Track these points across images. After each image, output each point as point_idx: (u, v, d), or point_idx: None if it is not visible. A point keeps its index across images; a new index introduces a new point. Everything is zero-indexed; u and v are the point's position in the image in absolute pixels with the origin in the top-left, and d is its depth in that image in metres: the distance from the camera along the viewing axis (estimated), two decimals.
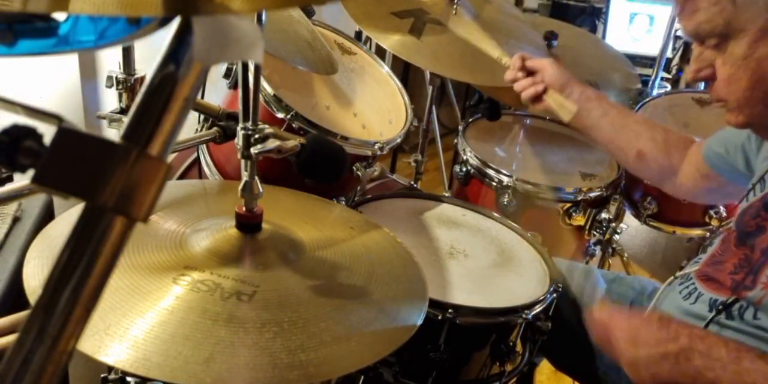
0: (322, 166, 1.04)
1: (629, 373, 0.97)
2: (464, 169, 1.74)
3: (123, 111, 1.26)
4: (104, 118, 1.26)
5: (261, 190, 0.89)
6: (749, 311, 1.03)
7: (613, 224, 1.76)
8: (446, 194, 1.75)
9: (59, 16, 0.44)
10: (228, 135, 1.16)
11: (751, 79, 1.01)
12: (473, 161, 1.71)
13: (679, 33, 3.19)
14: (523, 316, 1.17)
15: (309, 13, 1.49)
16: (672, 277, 1.23)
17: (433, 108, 2.00)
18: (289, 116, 1.26)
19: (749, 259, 1.06)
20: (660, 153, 1.35)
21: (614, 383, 1.32)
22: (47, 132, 0.39)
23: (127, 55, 1.24)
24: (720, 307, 1.06)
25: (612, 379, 1.32)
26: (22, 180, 0.88)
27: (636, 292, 1.36)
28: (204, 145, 1.43)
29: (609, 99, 1.40)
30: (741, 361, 0.89)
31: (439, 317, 1.11)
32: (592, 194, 1.66)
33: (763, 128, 1.10)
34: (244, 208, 0.89)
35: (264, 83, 1.27)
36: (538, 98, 1.39)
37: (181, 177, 1.58)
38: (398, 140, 1.45)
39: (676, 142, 1.36)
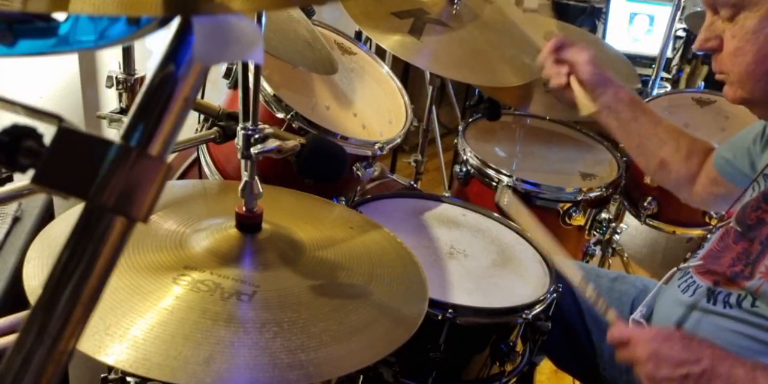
0: (322, 166, 1.04)
1: None
2: (464, 169, 1.74)
3: (123, 111, 1.26)
4: (104, 118, 1.26)
5: (261, 190, 0.89)
6: (747, 300, 1.04)
7: (613, 224, 1.77)
8: (446, 194, 1.75)
9: (59, 16, 0.44)
10: (228, 135, 1.16)
11: (757, 55, 1.01)
12: (473, 161, 1.71)
13: (679, 33, 3.20)
14: (523, 316, 1.17)
15: (309, 13, 1.49)
16: (669, 273, 1.23)
17: (433, 108, 2.00)
18: (289, 116, 1.26)
19: (748, 252, 1.07)
20: (682, 163, 1.35)
21: (615, 382, 1.32)
22: (47, 132, 0.39)
23: (127, 55, 1.25)
24: (715, 294, 1.08)
25: (613, 377, 1.32)
26: (22, 180, 0.88)
27: (638, 290, 1.37)
28: (204, 145, 1.43)
29: (641, 104, 1.38)
30: (757, 380, 0.91)
31: (439, 317, 1.11)
32: (592, 194, 1.66)
33: (761, 106, 1.11)
34: (244, 208, 0.89)
35: (264, 83, 1.27)
36: (562, 87, 1.37)
37: (181, 177, 1.58)
38: (398, 140, 1.45)
39: (698, 151, 1.35)
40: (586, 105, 1.34)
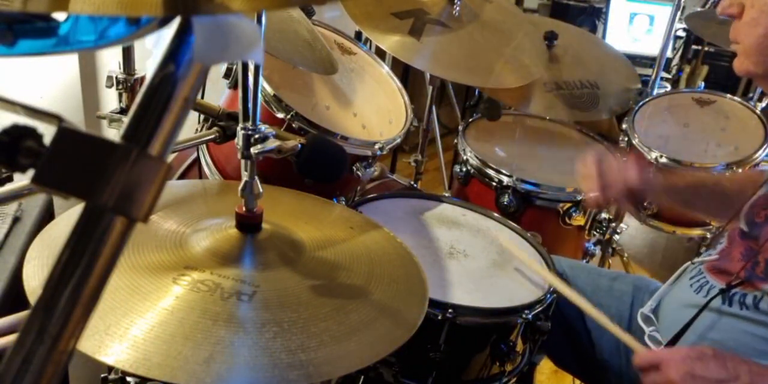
0: (322, 166, 1.04)
1: None
2: (464, 169, 1.74)
3: (123, 111, 1.26)
4: (104, 118, 1.26)
5: (261, 190, 0.89)
6: (765, 301, 1.04)
7: (613, 224, 1.77)
8: (446, 194, 1.75)
9: (59, 16, 0.44)
10: (228, 135, 1.16)
11: None
12: (473, 161, 1.71)
13: (679, 33, 3.20)
14: (523, 316, 1.17)
15: (309, 13, 1.49)
16: (683, 268, 1.22)
17: (433, 108, 2.00)
18: (289, 116, 1.26)
19: (752, 249, 1.07)
20: (719, 218, 1.35)
21: (615, 381, 1.32)
22: (47, 132, 0.39)
23: (127, 55, 1.25)
24: (728, 290, 1.07)
25: (613, 376, 1.32)
26: (22, 180, 0.88)
27: (638, 290, 1.37)
28: (204, 145, 1.43)
29: (685, 177, 1.41)
30: None
31: (439, 317, 1.11)
32: (592, 194, 1.66)
33: (766, 79, 1.11)
34: (244, 208, 0.89)
35: (264, 83, 1.27)
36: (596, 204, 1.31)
37: (181, 177, 1.58)
38: (398, 140, 1.45)
39: (733, 204, 1.27)
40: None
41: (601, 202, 1.28)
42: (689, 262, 1.22)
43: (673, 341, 1.12)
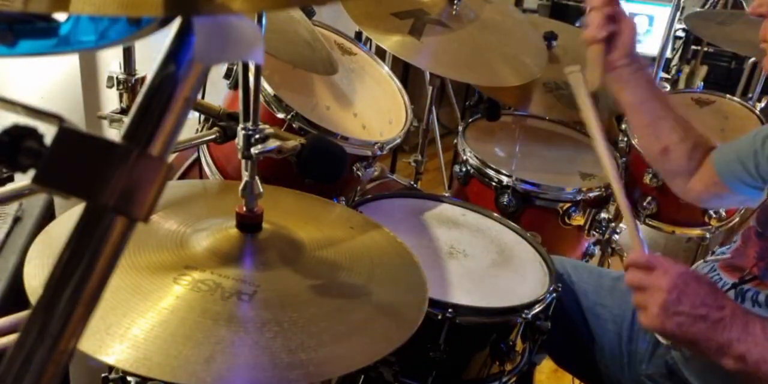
0: (322, 166, 1.04)
1: (651, 316, 0.95)
2: (464, 169, 1.74)
3: (123, 111, 1.26)
4: (105, 118, 1.26)
5: (261, 190, 0.89)
6: None
7: (613, 224, 1.77)
8: (446, 194, 1.75)
9: (60, 16, 0.44)
10: (228, 135, 1.16)
11: None
12: (473, 161, 1.71)
13: (678, 33, 3.20)
14: (523, 315, 1.17)
15: (309, 14, 1.49)
16: (695, 265, 1.22)
17: (433, 108, 2.00)
18: (289, 116, 1.26)
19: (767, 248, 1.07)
20: (685, 154, 1.33)
21: (615, 380, 1.32)
22: (48, 132, 0.39)
23: (128, 56, 1.25)
24: (740, 284, 1.07)
25: (613, 376, 1.32)
26: (22, 180, 0.88)
27: None
28: (204, 145, 1.43)
29: (659, 89, 1.37)
30: None
31: (439, 317, 1.11)
32: (592, 194, 1.66)
33: None
34: (244, 208, 0.89)
35: (264, 83, 1.27)
36: (592, 42, 1.30)
37: (182, 177, 1.58)
38: (398, 140, 1.45)
39: (703, 146, 1.34)
40: (596, 78, 1.28)
41: (596, 28, 1.28)
42: (702, 261, 1.22)
43: None
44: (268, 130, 0.91)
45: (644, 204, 1.83)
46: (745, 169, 1.22)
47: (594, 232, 1.74)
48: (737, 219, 1.86)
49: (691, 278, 0.96)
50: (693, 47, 3.39)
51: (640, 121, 1.37)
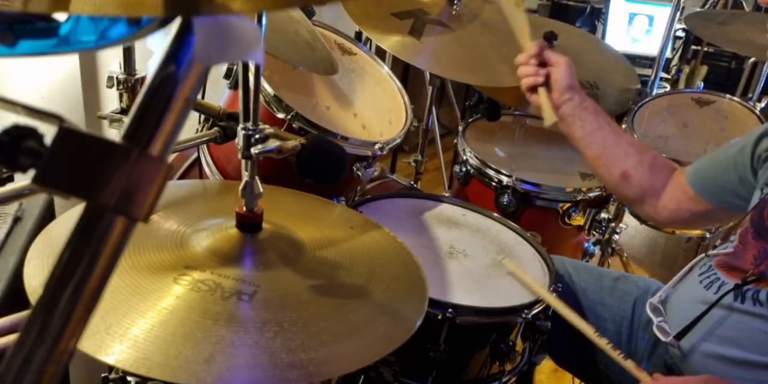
0: (322, 166, 1.04)
1: None
2: (464, 169, 1.74)
3: (123, 111, 1.26)
4: (105, 118, 1.26)
5: (261, 190, 0.89)
6: None
7: (613, 224, 1.77)
8: (446, 194, 1.75)
9: (60, 16, 0.44)
10: (228, 135, 1.16)
11: None
12: (473, 161, 1.71)
13: (678, 33, 3.20)
14: (523, 315, 1.17)
15: (309, 14, 1.49)
16: (696, 259, 1.22)
17: (433, 108, 2.00)
18: (289, 116, 1.26)
19: (767, 250, 1.07)
20: (645, 175, 1.34)
21: (616, 380, 1.32)
22: (48, 132, 0.39)
23: (128, 56, 1.25)
24: (742, 286, 1.07)
25: (613, 376, 1.32)
26: (22, 180, 0.88)
27: (640, 290, 1.37)
28: (204, 145, 1.43)
29: (605, 115, 1.40)
30: None
31: (439, 317, 1.11)
32: (592, 194, 1.66)
33: None
34: (244, 208, 0.89)
35: (264, 83, 1.27)
36: (533, 90, 1.39)
37: (182, 177, 1.58)
38: (398, 140, 1.45)
39: (662, 167, 1.35)
40: (551, 115, 1.35)
41: (531, 78, 1.38)
42: (703, 255, 1.21)
43: (680, 335, 1.12)
44: (268, 130, 0.91)
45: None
46: (730, 182, 1.22)
47: (594, 232, 1.75)
48: (737, 219, 1.86)
49: None
50: (693, 47, 3.39)
51: (592, 152, 1.39)
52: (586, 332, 1.13)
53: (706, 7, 3.23)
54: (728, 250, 1.16)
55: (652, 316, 1.19)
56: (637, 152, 1.36)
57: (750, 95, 2.43)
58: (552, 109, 1.36)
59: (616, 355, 1.09)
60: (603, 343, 1.11)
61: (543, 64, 1.39)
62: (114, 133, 1.25)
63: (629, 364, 1.08)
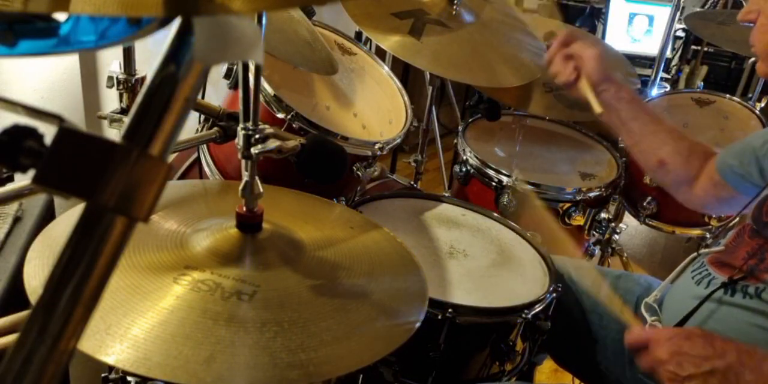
0: (322, 166, 1.04)
1: None
2: (464, 169, 1.74)
3: (124, 111, 1.26)
4: (105, 118, 1.26)
5: (261, 190, 0.89)
6: (767, 292, 1.05)
7: (613, 224, 1.77)
8: (446, 194, 1.75)
9: (60, 16, 0.44)
10: (228, 135, 1.16)
11: None
12: (473, 161, 1.71)
13: (678, 33, 3.20)
14: (523, 315, 1.17)
15: (309, 14, 1.49)
16: (690, 258, 1.23)
17: (433, 108, 2.00)
18: (289, 116, 1.26)
19: (763, 248, 1.07)
20: (682, 164, 1.36)
21: (616, 380, 1.32)
22: (48, 132, 0.39)
23: (128, 56, 1.24)
24: (730, 283, 1.08)
25: (614, 375, 1.32)
26: (22, 180, 0.88)
27: (642, 288, 1.37)
28: (204, 145, 1.43)
29: (642, 104, 1.41)
30: None
31: (439, 317, 1.11)
32: (592, 194, 1.66)
33: None
34: (244, 208, 0.89)
35: (264, 83, 1.27)
36: (570, 84, 1.39)
37: (182, 177, 1.58)
38: (398, 140, 1.45)
39: (699, 153, 1.36)
40: (596, 104, 1.36)
41: (562, 74, 1.38)
42: (696, 253, 1.22)
43: None
44: (268, 130, 0.91)
45: (644, 204, 1.83)
46: (749, 171, 1.23)
47: (594, 232, 1.75)
48: (737, 219, 1.86)
49: (683, 340, 0.96)
50: (693, 47, 3.39)
51: (630, 139, 1.41)
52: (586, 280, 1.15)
53: (706, 7, 3.23)
54: (719, 247, 1.17)
55: (646, 315, 1.20)
56: (674, 141, 1.37)
57: (750, 95, 2.43)
58: (596, 98, 1.36)
59: (614, 304, 1.13)
60: (603, 289, 1.13)
61: (570, 57, 1.38)
62: (114, 133, 1.25)
63: (627, 314, 1.10)
